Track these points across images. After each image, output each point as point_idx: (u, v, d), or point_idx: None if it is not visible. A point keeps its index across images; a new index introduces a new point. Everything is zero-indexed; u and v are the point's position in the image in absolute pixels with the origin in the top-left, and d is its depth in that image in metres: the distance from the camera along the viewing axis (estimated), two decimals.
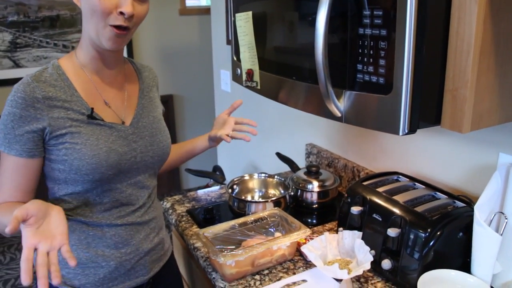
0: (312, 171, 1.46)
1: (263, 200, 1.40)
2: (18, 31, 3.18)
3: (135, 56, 3.57)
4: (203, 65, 3.74)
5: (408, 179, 1.23)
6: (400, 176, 1.25)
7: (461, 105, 0.79)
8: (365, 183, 1.20)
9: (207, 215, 1.41)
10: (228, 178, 2.65)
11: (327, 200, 1.45)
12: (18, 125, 1.00)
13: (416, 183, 1.20)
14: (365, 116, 0.88)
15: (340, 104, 0.92)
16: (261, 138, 2.25)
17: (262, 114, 2.18)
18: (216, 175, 1.68)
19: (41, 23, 3.23)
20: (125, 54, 3.70)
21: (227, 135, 1.30)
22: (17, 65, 3.22)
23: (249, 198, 1.49)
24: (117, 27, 1.00)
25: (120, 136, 1.10)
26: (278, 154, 1.69)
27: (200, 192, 1.63)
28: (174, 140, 3.86)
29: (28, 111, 0.99)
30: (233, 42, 1.36)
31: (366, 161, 1.52)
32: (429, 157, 1.29)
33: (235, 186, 1.47)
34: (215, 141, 1.36)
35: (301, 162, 1.83)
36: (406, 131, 0.81)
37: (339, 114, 0.93)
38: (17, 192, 1.05)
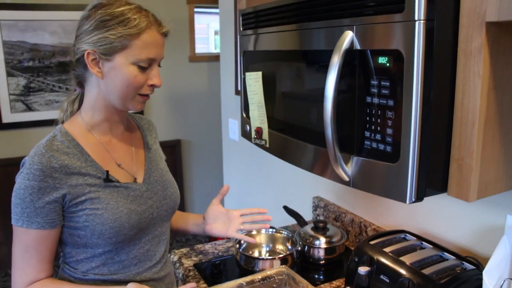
0: (320, 227, 1.46)
1: (271, 257, 1.39)
2: (32, 75, 3.27)
3: None
4: (212, 111, 3.80)
5: (415, 238, 1.23)
6: (408, 235, 1.25)
7: (467, 175, 0.81)
8: (372, 242, 1.21)
9: (215, 270, 1.41)
10: None
11: (334, 256, 1.44)
12: (38, 197, 1.00)
13: (423, 243, 1.20)
14: (372, 182, 0.89)
15: (347, 169, 0.94)
16: (268, 189, 2.26)
17: (270, 165, 2.20)
18: None
19: (54, 68, 3.32)
20: None
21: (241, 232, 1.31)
22: (29, 108, 3.29)
23: (256, 253, 1.49)
24: (146, 95, 1.09)
25: (136, 196, 1.12)
26: (286, 208, 1.70)
27: (208, 245, 1.63)
28: (181, 184, 3.88)
29: (46, 182, 1.00)
30: (243, 99, 1.40)
31: (373, 217, 1.52)
32: (436, 215, 1.30)
33: (242, 241, 1.48)
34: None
35: (308, 215, 1.84)
36: (413, 199, 0.82)
37: (346, 179, 0.95)
38: (45, 265, 1.05)
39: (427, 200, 1.32)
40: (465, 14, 0.77)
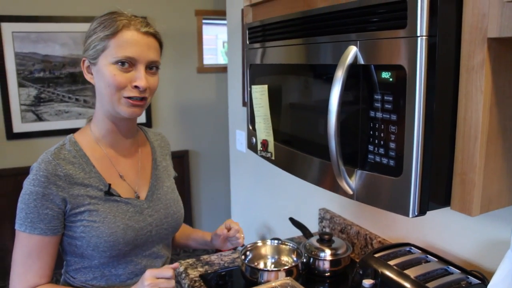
0: (325, 239, 1.46)
1: (276, 269, 1.40)
2: (43, 86, 3.32)
3: (152, 111, 3.67)
4: (220, 122, 3.83)
5: (420, 251, 1.23)
6: (413, 248, 1.25)
7: (470, 189, 0.81)
8: (377, 254, 1.21)
9: (220, 281, 1.41)
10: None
11: (339, 268, 1.44)
12: (42, 203, 1.01)
13: (428, 256, 1.20)
14: (376, 196, 0.90)
15: (351, 182, 0.95)
16: (275, 200, 2.26)
17: (276, 177, 2.21)
18: None
19: (64, 79, 3.37)
20: None
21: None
22: (39, 118, 3.34)
23: (261, 265, 1.49)
24: (132, 98, 1.05)
25: (136, 212, 1.12)
26: (292, 220, 1.70)
27: (214, 256, 1.63)
28: (188, 194, 3.89)
29: (50, 189, 1.02)
30: (249, 111, 1.41)
31: (379, 229, 1.52)
32: (442, 228, 1.30)
33: (248, 253, 1.48)
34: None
35: (314, 226, 1.84)
36: (416, 213, 0.83)
37: (350, 192, 0.96)
38: (46, 271, 1.06)
39: (433, 213, 1.32)
40: (467, 29, 0.78)
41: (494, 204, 0.85)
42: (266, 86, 1.30)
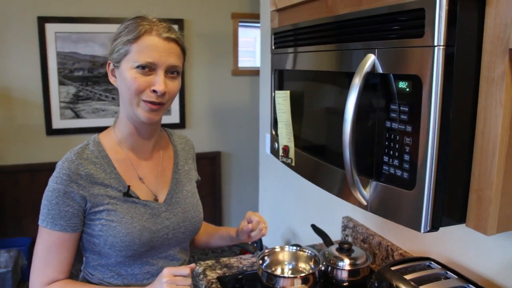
0: (344, 248, 1.44)
1: (292, 276, 1.39)
2: (82, 85, 3.43)
3: (186, 111, 3.72)
4: (252, 125, 3.84)
5: (440, 267, 1.19)
6: (432, 263, 1.21)
7: (486, 207, 0.78)
8: (394, 267, 1.17)
9: (237, 284, 1.41)
10: (266, 243, 2.65)
11: (358, 278, 1.41)
12: (63, 201, 1.04)
13: (448, 272, 1.16)
14: (389, 208, 0.87)
15: (366, 193, 0.93)
16: (301, 205, 2.25)
17: (301, 183, 2.19)
18: (248, 244, 1.68)
19: (102, 78, 3.47)
20: (177, 108, 3.83)
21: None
22: (77, 116, 3.44)
23: (279, 270, 1.48)
24: (150, 102, 1.07)
25: (153, 214, 1.14)
26: (313, 226, 1.68)
27: (233, 259, 1.64)
28: (219, 195, 3.92)
29: (71, 187, 1.05)
30: (272, 117, 1.41)
31: (401, 241, 1.48)
32: (465, 244, 1.25)
33: (266, 258, 1.47)
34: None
35: (337, 234, 1.81)
36: (428, 228, 0.80)
37: (364, 203, 0.94)
38: (65, 267, 1.08)
39: (456, 228, 1.28)
40: (488, 39, 0.75)
41: None
42: (288, 92, 1.29)
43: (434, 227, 0.80)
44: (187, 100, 3.73)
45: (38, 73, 3.31)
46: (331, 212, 1.93)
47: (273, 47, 1.40)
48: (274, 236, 2.56)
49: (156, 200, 1.16)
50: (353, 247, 1.46)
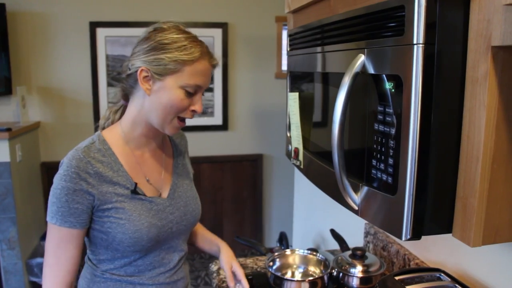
0: (358, 254, 1.40)
1: (300, 279, 1.36)
2: None
3: (229, 114, 3.76)
4: None
5: (450, 280, 1.12)
6: (443, 275, 1.14)
7: (470, 216, 0.73)
8: (399, 277, 1.12)
9: None
10: (296, 245, 2.62)
11: (370, 286, 1.36)
12: (72, 198, 1.07)
13: (457, 285, 1.09)
14: (375, 213, 0.84)
15: (356, 198, 0.90)
16: (328, 211, 2.21)
17: None
18: (258, 245, 1.67)
19: None
20: (220, 110, 3.86)
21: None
22: None
23: (289, 273, 1.46)
24: (183, 120, 1.14)
25: (159, 210, 1.17)
26: (332, 231, 1.65)
27: (249, 260, 1.63)
28: (260, 198, 3.92)
29: (81, 185, 1.07)
30: (288, 118, 1.40)
31: (419, 251, 1.42)
32: (480, 257, 1.17)
33: (276, 260, 1.46)
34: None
35: (359, 240, 1.76)
36: (409, 236, 0.76)
37: (355, 207, 0.91)
38: (74, 266, 1.11)
39: None
40: (472, 37, 0.70)
41: (503, 236, 0.75)
42: (297, 94, 1.28)
43: (415, 235, 0.76)
44: (230, 102, 3.77)
45: (88, 74, 3.48)
46: (355, 218, 1.87)
47: (288, 49, 1.39)
48: (306, 239, 2.53)
49: (159, 195, 1.19)
50: (368, 254, 1.42)
